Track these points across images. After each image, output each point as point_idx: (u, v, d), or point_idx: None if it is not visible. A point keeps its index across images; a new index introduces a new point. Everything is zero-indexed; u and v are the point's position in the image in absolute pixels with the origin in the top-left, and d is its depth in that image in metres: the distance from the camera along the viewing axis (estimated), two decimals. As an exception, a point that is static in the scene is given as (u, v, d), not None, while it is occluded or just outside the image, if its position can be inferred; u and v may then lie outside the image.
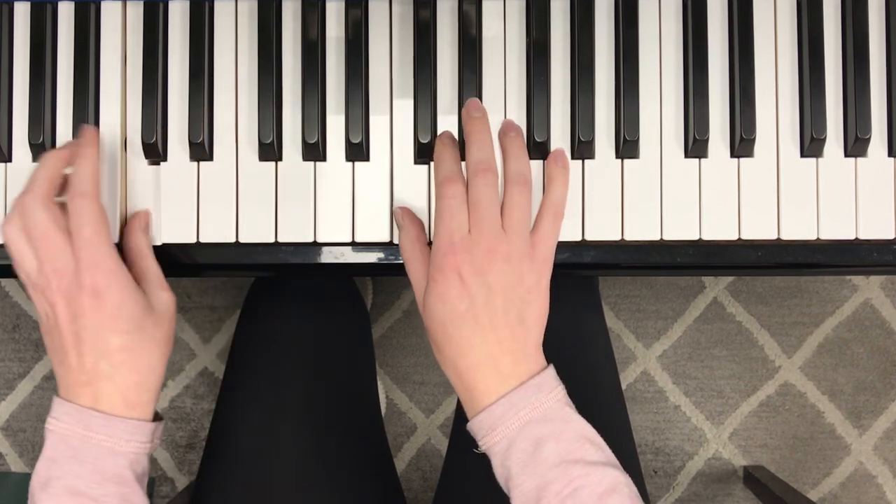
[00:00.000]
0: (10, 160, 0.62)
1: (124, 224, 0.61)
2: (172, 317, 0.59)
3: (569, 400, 0.55)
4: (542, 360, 0.56)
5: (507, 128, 0.59)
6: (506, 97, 0.61)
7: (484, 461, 0.56)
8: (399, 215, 0.60)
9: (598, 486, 0.51)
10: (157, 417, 0.59)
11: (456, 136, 0.61)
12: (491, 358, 0.54)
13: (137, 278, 0.58)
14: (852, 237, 0.61)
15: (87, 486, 0.53)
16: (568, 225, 0.60)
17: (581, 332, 0.78)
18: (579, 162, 0.61)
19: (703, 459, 1.33)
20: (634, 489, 0.53)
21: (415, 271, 0.57)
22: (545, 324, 0.56)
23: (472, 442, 0.56)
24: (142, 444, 0.56)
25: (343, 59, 0.61)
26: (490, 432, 0.54)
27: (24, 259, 0.56)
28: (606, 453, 0.54)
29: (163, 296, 0.58)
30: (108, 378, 0.55)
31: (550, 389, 0.54)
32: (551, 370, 0.56)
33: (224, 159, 0.61)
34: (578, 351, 0.76)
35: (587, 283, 0.85)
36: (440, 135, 0.60)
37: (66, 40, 0.62)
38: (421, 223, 0.60)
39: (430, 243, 0.59)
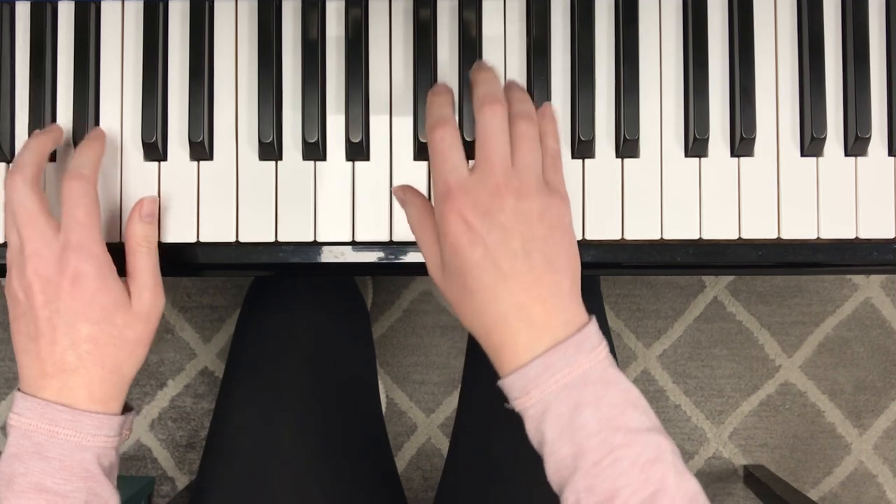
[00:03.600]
0: (11, 160, 0.62)
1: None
2: (150, 320, 0.57)
3: (612, 359, 0.51)
4: (581, 310, 0.51)
5: (511, 84, 0.57)
6: (506, 96, 0.61)
7: (484, 461, 0.55)
8: (399, 191, 0.57)
9: (640, 455, 0.47)
10: (127, 409, 0.57)
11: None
12: (519, 308, 0.49)
13: (128, 273, 0.57)
14: (852, 236, 0.61)
15: (53, 482, 0.52)
16: (568, 224, 0.60)
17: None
18: (579, 161, 0.61)
19: (703, 459, 1.33)
20: (678, 454, 0.49)
21: (428, 242, 0.54)
22: (579, 271, 0.52)
23: (476, 439, 0.56)
24: (109, 438, 0.54)
25: (343, 58, 0.61)
26: (523, 395, 0.49)
27: (10, 237, 0.55)
28: (650, 417, 0.49)
29: (144, 295, 0.56)
30: (74, 371, 0.53)
31: (592, 349, 0.49)
32: (593, 325, 0.50)
33: (224, 159, 0.61)
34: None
35: (588, 282, 0.85)
36: (434, 86, 0.56)
37: (66, 40, 0.62)
38: (424, 195, 0.57)
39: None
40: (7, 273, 0.56)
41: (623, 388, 0.49)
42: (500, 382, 0.51)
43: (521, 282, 0.49)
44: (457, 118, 0.61)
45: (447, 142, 0.51)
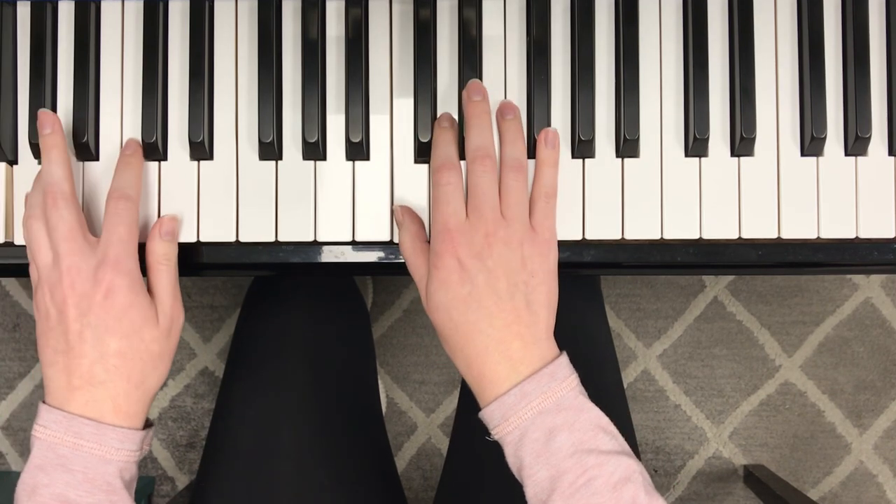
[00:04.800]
0: (16, 162, 0.62)
1: None
2: (172, 335, 0.58)
3: (582, 388, 0.55)
4: (553, 346, 0.56)
5: (506, 110, 0.59)
6: (506, 96, 0.61)
7: (484, 461, 0.56)
8: (399, 213, 0.60)
9: (612, 475, 0.51)
10: (147, 424, 0.58)
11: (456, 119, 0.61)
12: (500, 342, 0.54)
13: (150, 290, 0.58)
14: (853, 236, 0.61)
15: (76, 494, 0.53)
16: (568, 224, 0.60)
17: (584, 330, 0.78)
18: (579, 161, 0.61)
19: (703, 458, 1.33)
20: (647, 477, 0.53)
21: (417, 267, 0.58)
22: (555, 309, 0.56)
23: (477, 433, 0.56)
24: (132, 453, 0.55)
25: (343, 58, 0.61)
26: (502, 422, 0.53)
27: (39, 252, 0.56)
28: (619, 442, 0.53)
29: (167, 311, 0.58)
30: (102, 384, 0.54)
31: (564, 378, 0.54)
32: (564, 358, 0.55)
33: (224, 158, 0.61)
34: (581, 348, 0.76)
35: (589, 282, 0.85)
36: (439, 117, 0.60)
37: (67, 40, 0.62)
38: (421, 220, 0.60)
39: (429, 241, 0.59)
40: (37, 288, 0.57)
41: (594, 414, 0.53)
42: (480, 414, 0.55)
43: (503, 319, 0.54)
44: (457, 117, 0.61)
45: (453, 185, 0.56)
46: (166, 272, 0.58)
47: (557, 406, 0.53)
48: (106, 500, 0.54)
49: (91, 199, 0.61)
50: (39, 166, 0.61)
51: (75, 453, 0.53)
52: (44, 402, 0.56)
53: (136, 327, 0.55)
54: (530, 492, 0.52)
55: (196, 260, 0.62)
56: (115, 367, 0.55)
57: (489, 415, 0.54)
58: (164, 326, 0.57)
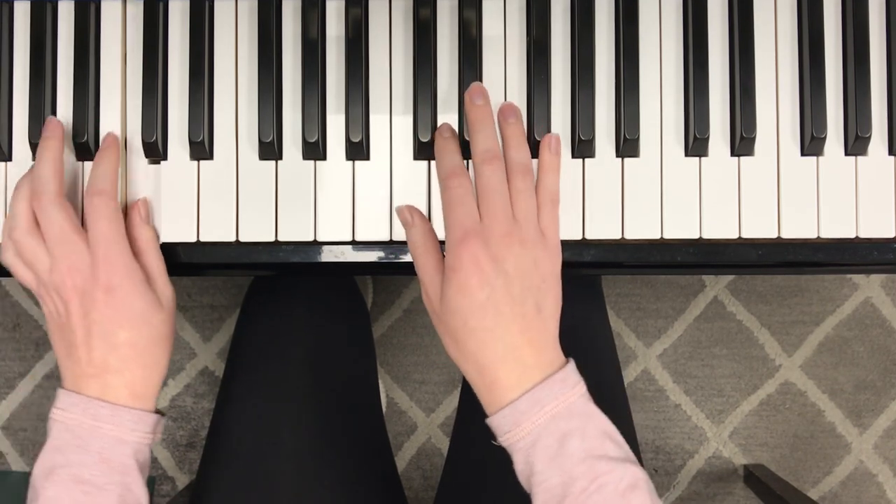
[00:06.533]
0: (10, 159, 0.62)
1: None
2: (172, 311, 0.60)
3: (589, 395, 0.55)
4: (560, 352, 0.56)
5: (508, 113, 0.59)
6: (506, 96, 0.61)
7: (485, 461, 0.56)
8: (407, 212, 0.59)
9: (620, 482, 0.51)
10: (157, 413, 0.59)
11: (456, 130, 0.61)
12: (514, 349, 0.53)
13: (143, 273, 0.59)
14: (853, 236, 0.61)
15: (91, 475, 0.54)
16: (568, 224, 0.60)
17: (585, 329, 0.78)
18: (579, 161, 0.61)
19: (703, 458, 1.33)
20: (651, 485, 0.53)
21: (428, 267, 0.57)
22: (559, 315, 0.56)
23: (477, 437, 0.56)
24: (145, 435, 0.57)
25: (343, 57, 0.61)
26: (514, 428, 0.53)
27: (36, 260, 0.57)
28: (625, 449, 0.53)
29: (166, 292, 0.59)
30: (117, 371, 0.56)
31: (575, 384, 0.54)
32: (572, 364, 0.55)
33: (224, 158, 0.61)
34: (582, 348, 0.76)
35: (590, 281, 0.85)
36: (439, 128, 0.60)
37: (66, 39, 0.62)
38: (427, 219, 0.60)
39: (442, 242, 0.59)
40: (39, 291, 0.57)
41: (602, 420, 0.54)
42: (488, 420, 0.55)
43: (518, 325, 0.53)
44: (457, 117, 0.61)
45: (464, 188, 0.56)
46: (154, 253, 0.60)
47: (569, 412, 0.53)
48: (120, 480, 0.55)
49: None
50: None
51: (92, 434, 0.55)
52: (61, 387, 0.57)
53: (143, 316, 0.57)
54: (540, 499, 0.52)
55: (196, 260, 0.62)
56: (127, 355, 0.56)
57: (499, 421, 0.54)
58: (167, 306, 0.59)
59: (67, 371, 0.57)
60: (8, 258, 0.58)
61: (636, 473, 0.52)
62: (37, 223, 0.57)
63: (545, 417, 0.52)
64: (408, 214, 0.59)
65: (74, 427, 0.55)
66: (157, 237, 0.60)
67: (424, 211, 0.61)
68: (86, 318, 0.56)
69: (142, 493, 0.56)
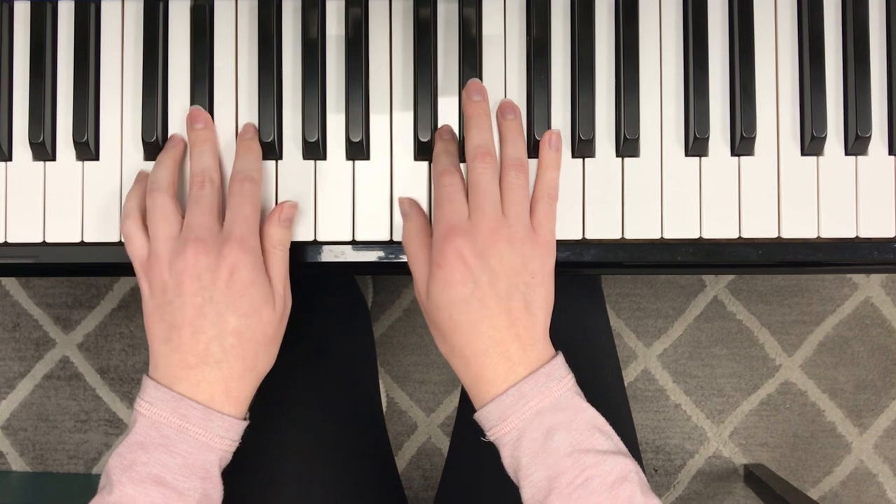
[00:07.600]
0: (10, 159, 0.62)
1: None
2: (284, 318, 0.58)
3: (578, 389, 0.55)
4: (550, 347, 0.55)
5: (506, 109, 0.59)
6: (506, 95, 0.61)
7: (485, 460, 0.56)
8: (405, 204, 0.60)
9: (608, 475, 0.51)
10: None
11: (456, 132, 0.61)
12: (499, 344, 0.53)
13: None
14: (853, 235, 0.61)
15: (173, 478, 0.52)
16: (568, 223, 0.60)
17: (585, 329, 0.78)
18: (580, 160, 0.61)
19: (703, 458, 1.33)
20: (643, 476, 0.53)
21: (418, 261, 0.57)
22: (551, 311, 0.56)
23: (477, 433, 0.56)
24: (233, 443, 0.55)
25: (343, 57, 0.61)
26: (500, 422, 0.53)
27: (165, 221, 0.56)
28: (615, 441, 0.53)
29: (283, 294, 0.58)
30: (217, 364, 0.54)
31: (561, 378, 0.54)
32: (560, 358, 0.55)
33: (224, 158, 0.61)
34: (582, 347, 0.76)
35: (591, 280, 0.85)
36: (440, 129, 0.60)
37: (66, 39, 0.62)
38: (426, 214, 0.60)
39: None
40: (151, 262, 0.55)
41: (590, 414, 0.53)
42: (476, 415, 0.55)
43: (503, 320, 0.53)
44: (456, 117, 0.61)
45: (455, 187, 0.56)
46: (281, 258, 0.58)
47: (555, 406, 0.52)
48: (200, 486, 0.53)
49: (91, 198, 0.61)
50: (35, 164, 0.61)
51: (180, 436, 0.52)
52: (148, 376, 0.55)
53: (255, 307, 0.55)
54: (527, 493, 0.52)
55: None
56: (231, 346, 0.54)
57: (485, 416, 0.54)
58: (279, 310, 0.57)
59: (162, 358, 0.54)
60: (129, 227, 0.57)
61: (626, 465, 0.52)
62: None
63: (530, 412, 0.52)
64: (407, 206, 0.59)
65: (161, 425, 0.52)
66: (289, 242, 0.59)
67: (425, 210, 0.61)
68: (201, 293, 0.53)
69: (219, 498, 0.54)
